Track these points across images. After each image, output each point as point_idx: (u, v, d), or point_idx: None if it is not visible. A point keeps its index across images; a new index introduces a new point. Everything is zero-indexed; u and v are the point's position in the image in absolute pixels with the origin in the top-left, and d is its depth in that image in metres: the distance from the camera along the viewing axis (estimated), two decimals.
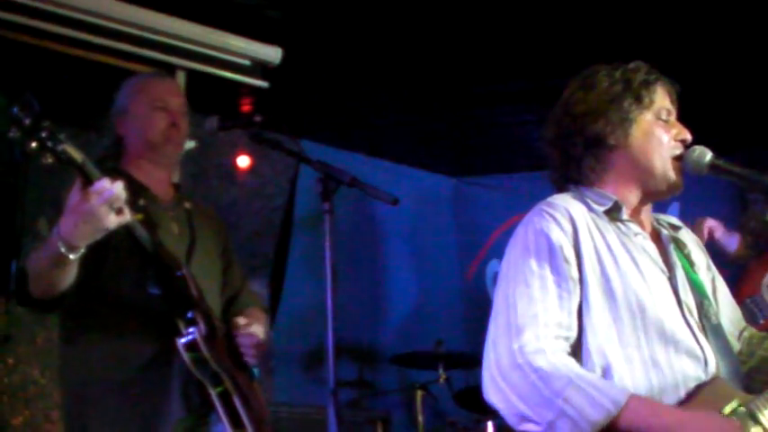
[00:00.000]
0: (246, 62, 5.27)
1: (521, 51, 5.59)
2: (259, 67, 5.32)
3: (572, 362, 2.33)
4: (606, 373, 2.36)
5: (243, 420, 3.15)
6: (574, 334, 2.40)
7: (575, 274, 2.43)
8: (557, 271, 2.42)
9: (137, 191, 3.33)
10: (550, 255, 2.43)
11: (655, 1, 5.00)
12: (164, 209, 3.42)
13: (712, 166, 2.58)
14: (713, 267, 2.78)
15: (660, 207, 6.72)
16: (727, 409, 2.32)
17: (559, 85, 2.76)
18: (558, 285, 2.40)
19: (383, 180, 6.13)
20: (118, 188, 2.81)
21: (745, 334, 2.74)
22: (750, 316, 4.95)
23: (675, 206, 6.70)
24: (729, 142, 4.75)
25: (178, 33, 4.96)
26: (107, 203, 2.78)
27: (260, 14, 5.04)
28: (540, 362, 2.28)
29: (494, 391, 2.35)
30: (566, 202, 2.54)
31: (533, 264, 2.43)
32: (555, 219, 2.48)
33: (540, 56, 5.58)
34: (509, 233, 2.61)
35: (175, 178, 3.66)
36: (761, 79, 5.62)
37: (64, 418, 3.31)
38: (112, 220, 2.82)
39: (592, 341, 2.39)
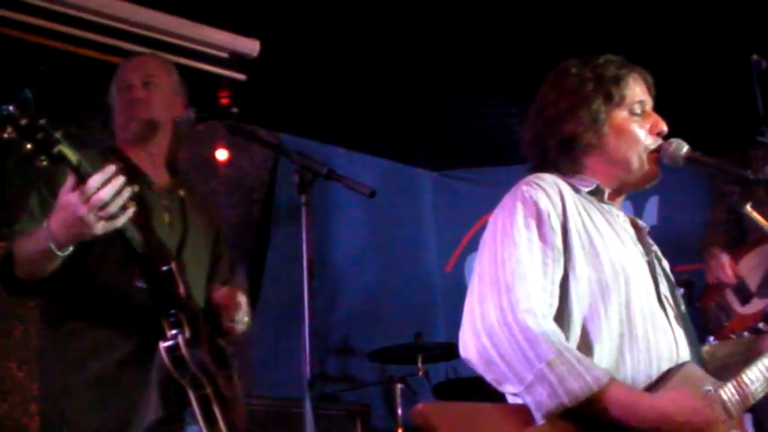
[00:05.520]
0: (224, 54, 5.26)
1: (501, 44, 5.59)
2: (237, 60, 5.31)
3: (560, 332, 2.31)
4: (585, 343, 2.36)
5: (220, 425, 3.13)
6: (556, 302, 2.38)
7: (559, 243, 2.42)
8: (543, 237, 2.41)
9: (133, 176, 3.30)
10: (538, 221, 2.43)
11: None
12: (157, 196, 3.38)
13: (688, 158, 2.59)
14: None
15: (639, 200, 6.79)
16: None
17: (540, 77, 2.76)
18: (543, 252, 2.40)
19: (362, 173, 6.15)
20: (107, 193, 2.77)
21: None
22: (715, 320, 4.98)
23: (655, 199, 6.73)
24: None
25: (156, 25, 4.95)
26: (95, 210, 2.75)
27: (238, 6, 5.02)
28: (531, 323, 2.26)
29: (474, 347, 2.32)
30: (554, 179, 2.55)
31: (521, 227, 2.42)
32: (544, 189, 2.49)
33: (521, 48, 5.58)
34: None
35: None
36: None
37: (41, 409, 3.29)
38: (99, 228, 2.79)
39: (576, 311, 2.39)
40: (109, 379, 3.12)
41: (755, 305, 4.90)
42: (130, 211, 2.82)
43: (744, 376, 2.41)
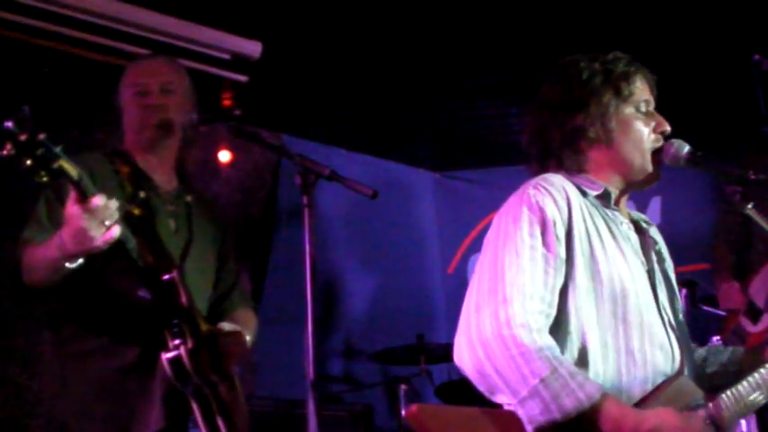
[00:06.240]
0: (226, 56, 5.26)
1: (503, 45, 5.59)
2: (239, 62, 5.31)
3: (555, 345, 2.31)
4: (581, 355, 2.37)
5: None
6: (554, 312, 2.38)
7: (563, 252, 2.41)
8: (547, 246, 2.39)
9: (139, 180, 3.29)
10: (543, 228, 2.41)
11: None
12: (163, 201, 3.37)
13: (690, 158, 2.59)
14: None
15: (642, 201, 6.79)
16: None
17: (541, 78, 2.75)
18: (546, 261, 2.38)
19: (364, 174, 6.13)
20: (112, 206, 2.78)
21: None
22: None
23: (657, 200, 6.73)
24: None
25: (157, 27, 4.94)
26: (98, 223, 2.75)
27: (240, 8, 5.02)
28: (525, 338, 2.25)
29: (468, 357, 2.32)
30: (562, 182, 2.52)
31: (525, 234, 2.40)
32: (551, 194, 2.45)
33: (522, 49, 5.58)
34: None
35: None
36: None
37: (44, 412, 3.29)
38: (102, 241, 2.79)
39: (573, 322, 2.39)
40: (110, 385, 3.12)
41: (765, 320, 4.92)
42: (117, 229, 2.83)
43: (721, 398, 2.42)
